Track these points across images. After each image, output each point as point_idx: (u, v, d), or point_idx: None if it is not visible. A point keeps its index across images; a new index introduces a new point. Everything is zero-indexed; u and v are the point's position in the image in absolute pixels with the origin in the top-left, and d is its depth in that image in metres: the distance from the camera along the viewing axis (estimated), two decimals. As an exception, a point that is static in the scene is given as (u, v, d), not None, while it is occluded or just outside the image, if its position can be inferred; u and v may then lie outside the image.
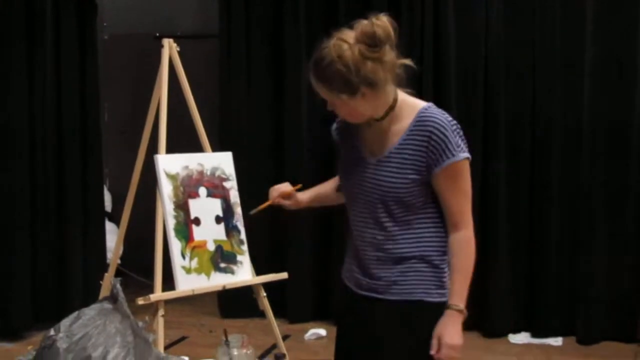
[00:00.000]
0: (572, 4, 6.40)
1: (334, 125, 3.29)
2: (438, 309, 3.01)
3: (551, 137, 6.47)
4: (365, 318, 3.15)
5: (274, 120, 7.19)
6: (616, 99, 6.36)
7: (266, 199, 3.57)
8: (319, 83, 2.94)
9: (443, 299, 3.02)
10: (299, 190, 3.55)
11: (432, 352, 2.98)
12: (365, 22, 2.88)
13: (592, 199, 6.41)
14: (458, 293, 2.99)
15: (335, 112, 3.07)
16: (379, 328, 3.11)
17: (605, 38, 6.36)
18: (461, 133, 2.97)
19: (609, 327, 6.46)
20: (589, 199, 6.41)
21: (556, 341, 6.49)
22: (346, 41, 2.87)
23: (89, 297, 6.32)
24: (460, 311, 2.98)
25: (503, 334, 6.61)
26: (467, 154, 2.96)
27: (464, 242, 3.01)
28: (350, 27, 2.91)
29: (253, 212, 4.38)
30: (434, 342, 2.98)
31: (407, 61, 2.99)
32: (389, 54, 2.90)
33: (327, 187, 3.54)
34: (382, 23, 2.87)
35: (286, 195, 3.51)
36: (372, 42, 2.85)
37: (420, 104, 3.03)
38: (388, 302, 3.07)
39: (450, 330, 2.97)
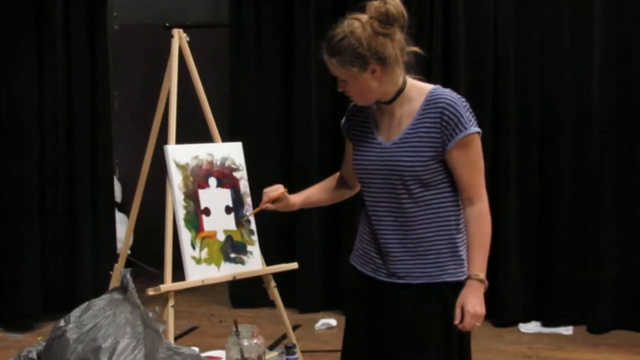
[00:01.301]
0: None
1: (343, 119, 3.36)
2: (459, 288, 3.08)
3: (560, 122, 6.47)
4: (387, 304, 3.20)
5: (284, 110, 7.19)
6: (625, 80, 6.37)
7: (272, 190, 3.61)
8: (331, 58, 3.06)
9: (463, 277, 3.10)
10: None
11: (456, 322, 3.03)
12: (376, 2, 3.02)
13: (601, 187, 6.41)
14: (477, 263, 3.06)
15: (344, 95, 3.16)
16: (403, 313, 3.16)
17: (614, 19, 6.38)
18: (470, 109, 3.08)
19: (619, 316, 6.46)
20: (598, 187, 6.41)
21: (567, 330, 6.49)
22: (359, 19, 3.02)
23: (99, 287, 6.32)
24: (481, 281, 3.04)
25: (513, 323, 6.62)
26: (478, 129, 3.07)
27: (480, 215, 3.08)
28: (362, 10, 3.04)
29: (247, 215, 4.41)
30: (457, 311, 3.03)
31: (416, 48, 3.13)
32: (399, 34, 3.05)
33: (319, 189, 3.60)
34: (394, 2, 3.02)
35: (276, 199, 3.57)
36: (384, 18, 2.99)
37: (429, 86, 3.15)
38: (411, 287, 3.13)
39: (472, 300, 3.02)
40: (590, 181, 6.44)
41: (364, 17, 3.01)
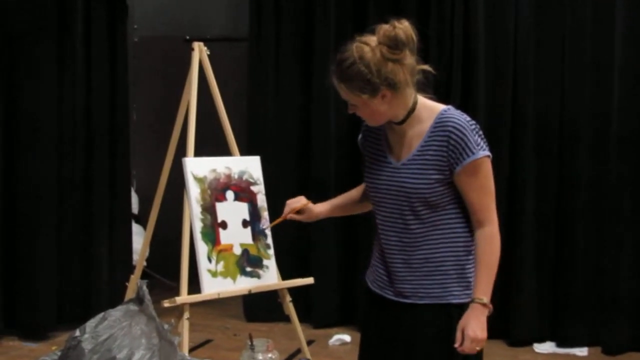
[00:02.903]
0: (603, 3, 6.39)
1: (360, 136, 3.35)
2: (465, 310, 3.06)
3: (580, 138, 6.44)
4: (393, 323, 3.19)
5: (303, 124, 7.19)
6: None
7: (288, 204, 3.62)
8: (340, 84, 3.06)
9: (469, 300, 3.07)
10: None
11: (456, 344, 3.02)
12: (386, 25, 2.98)
13: (619, 206, 6.37)
14: (482, 287, 3.04)
15: (356, 115, 3.14)
16: (407, 332, 3.15)
17: (634, 37, 6.36)
18: (480, 132, 3.05)
19: (635, 337, 6.42)
20: (616, 206, 6.38)
21: (581, 351, 6.45)
22: (368, 44, 2.98)
23: (115, 298, 6.33)
24: (484, 305, 3.02)
25: (528, 343, 6.58)
26: (487, 152, 3.03)
27: (489, 238, 3.06)
28: (372, 32, 3.01)
29: (267, 226, 4.41)
30: (458, 334, 3.02)
31: (426, 67, 3.10)
32: (409, 58, 3.00)
33: (346, 198, 3.59)
34: (404, 26, 2.98)
35: (299, 210, 3.58)
36: (393, 43, 2.95)
37: (440, 106, 3.11)
38: (416, 307, 3.12)
39: (473, 323, 3.01)
40: (609, 200, 6.41)
41: (373, 41, 2.97)
